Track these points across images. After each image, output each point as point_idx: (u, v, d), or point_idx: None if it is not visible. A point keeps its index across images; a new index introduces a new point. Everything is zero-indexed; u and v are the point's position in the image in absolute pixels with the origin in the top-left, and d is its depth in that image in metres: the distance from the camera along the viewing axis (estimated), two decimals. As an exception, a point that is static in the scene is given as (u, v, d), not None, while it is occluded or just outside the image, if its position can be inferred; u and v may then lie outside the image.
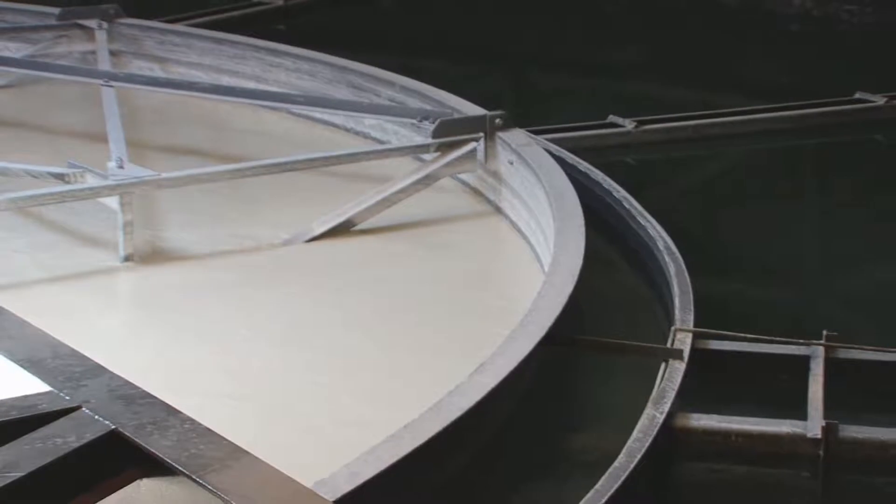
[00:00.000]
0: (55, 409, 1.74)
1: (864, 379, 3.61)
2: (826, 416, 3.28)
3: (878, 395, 3.58)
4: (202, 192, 4.46)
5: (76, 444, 1.67)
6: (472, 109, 4.95)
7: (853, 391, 3.51)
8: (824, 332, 3.65)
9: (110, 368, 1.91)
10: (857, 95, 6.00)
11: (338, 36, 7.35)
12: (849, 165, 5.87)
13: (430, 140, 4.65)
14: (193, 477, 1.59)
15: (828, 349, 3.61)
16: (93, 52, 6.13)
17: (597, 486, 2.92)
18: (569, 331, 3.54)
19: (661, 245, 4.18)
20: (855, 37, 7.63)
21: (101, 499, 1.68)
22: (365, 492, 2.53)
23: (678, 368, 3.45)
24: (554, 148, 4.88)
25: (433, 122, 4.67)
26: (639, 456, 3.05)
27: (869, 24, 7.69)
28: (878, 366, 3.63)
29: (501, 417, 3.21)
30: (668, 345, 3.57)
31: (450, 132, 4.66)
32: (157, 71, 6.11)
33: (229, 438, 1.72)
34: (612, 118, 5.68)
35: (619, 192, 4.61)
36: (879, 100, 5.94)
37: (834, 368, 3.55)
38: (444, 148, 4.64)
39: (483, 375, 3.04)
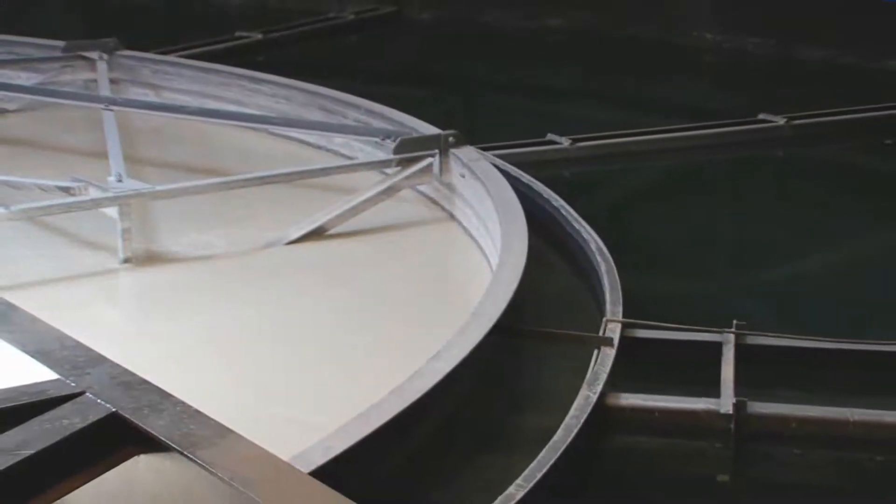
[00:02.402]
0: (62, 394, 1.73)
1: (769, 361, 3.64)
2: (736, 395, 3.30)
3: (781, 375, 3.61)
4: (192, 202, 4.43)
5: (81, 425, 1.65)
6: (428, 129, 4.96)
7: (759, 372, 3.54)
8: (734, 322, 3.68)
9: (111, 358, 1.90)
10: (761, 116, 6.04)
11: (310, 66, 7.34)
12: (755, 177, 5.92)
13: (391, 156, 4.65)
14: (185, 453, 1.58)
15: (737, 336, 3.64)
16: (94, 80, 6.09)
17: (539, 457, 2.93)
18: (514, 322, 3.55)
19: (593, 247, 4.20)
20: (759, 65, 7.69)
21: (103, 473, 1.67)
22: (337, 464, 2.52)
23: (609, 354, 3.46)
24: (500, 162, 4.88)
25: (394, 141, 4.67)
26: (575, 431, 3.07)
27: (771, 55, 7.75)
28: (779, 350, 3.66)
29: (455, 398, 3.22)
30: (600, 333, 3.59)
31: (409, 149, 4.66)
32: (151, 96, 6.08)
33: (217, 419, 1.72)
34: (550, 136, 5.69)
35: (557, 201, 4.63)
36: (780, 120, 5.98)
37: (743, 353, 3.57)
38: (404, 163, 4.64)
39: (439, 362, 3.04)
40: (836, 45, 7.52)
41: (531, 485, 2.81)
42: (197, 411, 1.70)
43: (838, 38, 7.52)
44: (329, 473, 2.44)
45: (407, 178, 4.63)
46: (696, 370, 3.55)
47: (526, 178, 4.84)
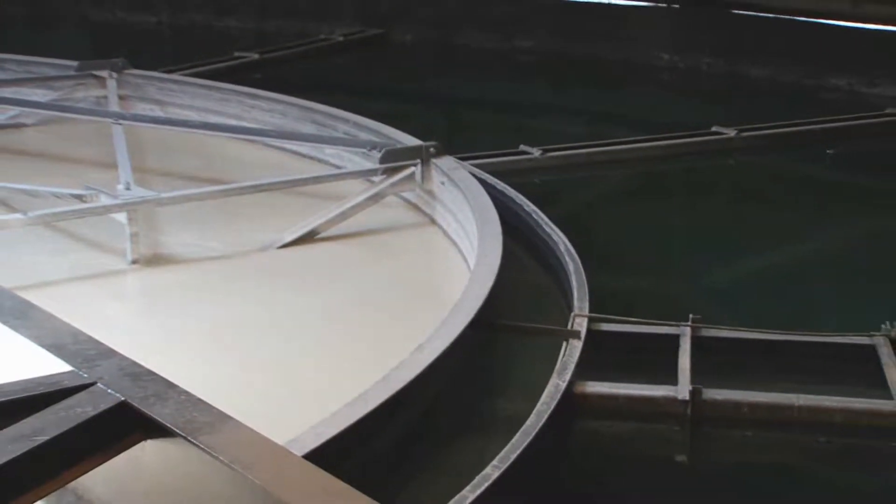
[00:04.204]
0: (75, 384, 1.71)
1: (722, 352, 3.64)
2: (692, 382, 3.31)
3: (733, 364, 3.61)
4: (194, 208, 4.42)
5: (92, 413, 1.64)
6: (411, 140, 4.95)
7: (713, 362, 3.55)
8: (690, 316, 3.69)
9: (120, 351, 1.89)
10: (714, 129, 6.06)
11: (303, 83, 7.32)
12: (708, 183, 5.94)
13: (377, 165, 4.64)
14: (189, 438, 1.57)
15: (693, 329, 3.65)
16: (105, 97, 6.07)
17: (513, 440, 2.94)
18: (490, 317, 3.55)
19: (562, 248, 4.20)
20: (711, 83, 7.72)
21: (113, 457, 1.65)
22: (327, 448, 2.52)
23: (576, 346, 3.46)
24: (477, 171, 4.88)
25: (380, 151, 4.66)
26: (546, 416, 3.07)
27: (722, 73, 7.78)
28: (732, 341, 3.67)
29: (437, 387, 3.21)
30: (569, 327, 3.59)
31: (393, 159, 4.65)
32: (157, 111, 6.05)
33: (218, 407, 1.70)
34: (522, 147, 5.70)
35: (529, 206, 4.63)
36: (731, 132, 6.01)
37: (698, 344, 3.58)
38: (389, 171, 4.63)
39: (422, 353, 3.03)
40: (779, 64, 7.56)
41: (506, 466, 2.81)
42: (199, 400, 1.68)
43: (782, 59, 7.57)
44: (321, 456, 2.43)
45: (392, 185, 4.63)
46: (656, 360, 3.55)
47: (500, 185, 4.84)
